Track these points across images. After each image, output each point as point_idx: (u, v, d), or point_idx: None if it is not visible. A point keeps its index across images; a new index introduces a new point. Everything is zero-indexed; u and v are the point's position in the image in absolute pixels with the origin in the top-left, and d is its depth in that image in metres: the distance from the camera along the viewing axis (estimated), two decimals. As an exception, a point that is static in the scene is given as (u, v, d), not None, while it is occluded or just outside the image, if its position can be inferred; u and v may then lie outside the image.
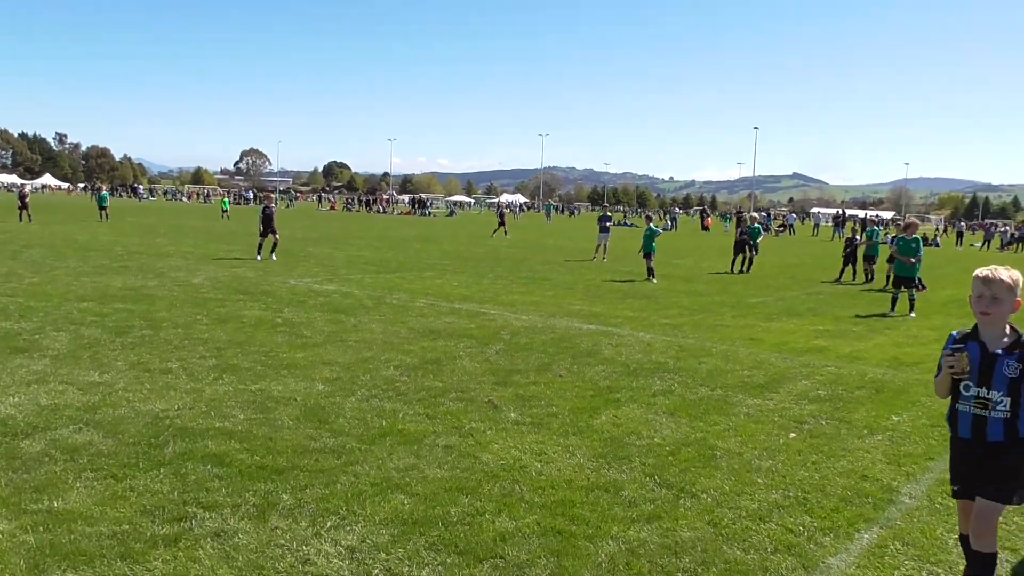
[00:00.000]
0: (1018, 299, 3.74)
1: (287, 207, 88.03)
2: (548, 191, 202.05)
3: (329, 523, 4.57)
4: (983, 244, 56.76)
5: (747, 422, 7.01)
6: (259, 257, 20.86)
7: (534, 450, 6.03)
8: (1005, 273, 3.74)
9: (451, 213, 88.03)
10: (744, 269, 23.72)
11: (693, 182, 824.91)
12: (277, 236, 21.79)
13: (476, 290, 16.14)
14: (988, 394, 3.72)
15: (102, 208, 40.48)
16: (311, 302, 13.31)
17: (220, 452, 5.63)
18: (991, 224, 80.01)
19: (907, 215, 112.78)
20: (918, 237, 15.27)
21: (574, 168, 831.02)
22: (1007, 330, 3.76)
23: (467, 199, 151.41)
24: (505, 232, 40.60)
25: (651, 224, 21.60)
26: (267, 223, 21.53)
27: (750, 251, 24.22)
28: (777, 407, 7.65)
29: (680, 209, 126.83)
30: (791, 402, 7.84)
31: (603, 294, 16.48)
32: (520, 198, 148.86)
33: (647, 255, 20.57)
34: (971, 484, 3.83)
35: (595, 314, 13.40)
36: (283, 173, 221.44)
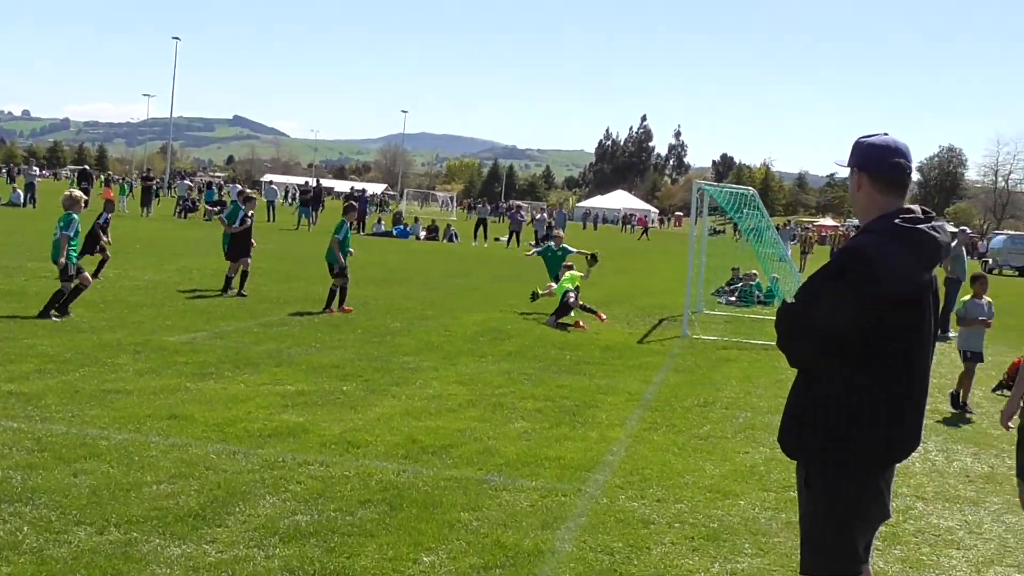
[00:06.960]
0: None
1: None
2: None
3: None
4: (509, 237, 37.36)
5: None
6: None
7: None
8: None
9: None
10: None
11: (66, 122, 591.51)
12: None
13: None
14: None
15: None
16: None
17: None
18: (517, 208, 50.05)
19: (407, 190, 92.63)
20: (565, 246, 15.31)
21: None
22: None
23: None
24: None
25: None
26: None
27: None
28: (223, 559, 4.24)
29: (41, 170, 64.11)
30: (249, 544, 4.45)
31: None
32: None
33: None
34: None
35: None
36: None
